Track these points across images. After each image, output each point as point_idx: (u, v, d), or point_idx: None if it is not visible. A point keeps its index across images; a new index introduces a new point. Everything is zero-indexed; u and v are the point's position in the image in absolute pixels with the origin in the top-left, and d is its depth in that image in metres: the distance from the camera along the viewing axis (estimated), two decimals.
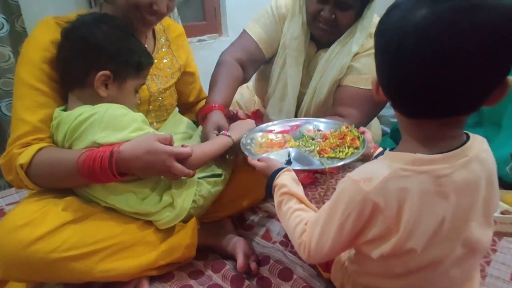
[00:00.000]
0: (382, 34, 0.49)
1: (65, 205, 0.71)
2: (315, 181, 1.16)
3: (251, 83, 1.55)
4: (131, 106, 0.80)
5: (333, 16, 1.06)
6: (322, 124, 0.93)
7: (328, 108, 1.20)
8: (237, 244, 0.86)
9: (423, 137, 0.51)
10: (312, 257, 0.57)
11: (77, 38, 0.74)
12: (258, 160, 0.75)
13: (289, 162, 0.77)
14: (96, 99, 0.75)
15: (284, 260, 0.85)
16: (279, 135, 0.89)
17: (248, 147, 0.84)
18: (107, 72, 0.73)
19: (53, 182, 0.74)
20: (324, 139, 0.83)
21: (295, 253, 0.88)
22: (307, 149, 0.81)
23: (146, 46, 0.93)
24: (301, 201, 0.63)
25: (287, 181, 0.65)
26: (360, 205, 0.50)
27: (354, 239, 0.54)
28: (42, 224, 0.65)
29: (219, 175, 0.93)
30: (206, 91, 1.13)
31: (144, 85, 0.91)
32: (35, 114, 0.74)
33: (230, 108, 1.08)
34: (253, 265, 0.82)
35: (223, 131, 0.88)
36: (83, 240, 0.68)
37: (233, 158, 0.94)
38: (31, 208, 0.68)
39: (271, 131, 0.92)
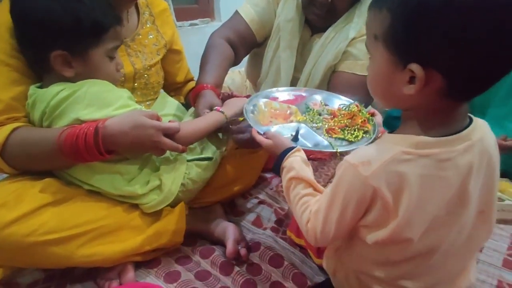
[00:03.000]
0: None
1: (43, 187, 0.67)
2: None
3: (242, 68, 1.52)
4: (111, 75, 0.74)
5: (329, 0, 1.02)
6: (329, 98, 0.88)
7: None
8: (226, 230, 0.84)
9: (432, 120, 0.48)
10: (320, 243, 0.56)
11: (16, 15, 0.66)
12: (264, 134, 0.70)
13: (295, 139, 0.72)
14: (71, 77, 0.69)
15: (275, 247, 0.83)
16: (284, 105, 0.84)
17: (250, 114, 0.79)
18: (58, 52, 0.66)
19: (31, 164, 0.69)
20: (332, 116, 0.79)
21: (286, 239, 0.86)
22: (314, 125, 0.76)
23: (129, 22, 0.89)
24: (310, 185, 0.60)
25: (296, 163, 0.61)
26: (360, 191, 0.48)
27: (356, 224, 0.52)
28: (17, 206, 0.61)
29: (209, 159, 0.89)
30: (197, 75, 1.07)
31: (128, 61, 0.86)
32: (7, 92, 0.68)
33: (222, 91, 1.04)
34: (243, 251, 0.79)
35: (216, 107, 0.84)
36: (63, 224, 0.65)
37: (226, 138, 0.91)
38: (5, 189, 0.64)
39: (275, 99, 0.87)
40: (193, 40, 1.54)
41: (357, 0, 1.07)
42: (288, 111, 0.82)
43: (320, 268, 0.77)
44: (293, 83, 1.21)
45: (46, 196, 0.66)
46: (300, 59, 1.18)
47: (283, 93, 0.89)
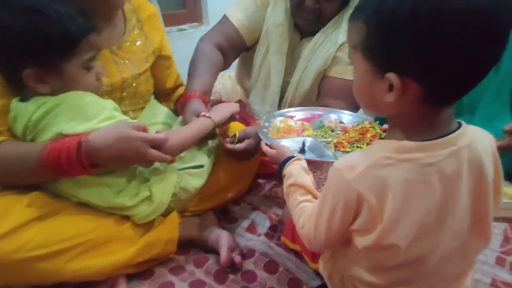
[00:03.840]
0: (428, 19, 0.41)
1: (30, 201, 0.65)
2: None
3: (233, 72, 1.51)
4: (91, 86, 0.71)
5: (317, 5, 1.03)
6: (345, 116, 0.91)
7: (312, 98, 1.17)
8: (220, 237, 0.82)
9: (414, 125, 0.48)
10: (314, 248, 0.57)
11: None
12: (270, 145, 0.74)
13: (302, 151, 0.75)
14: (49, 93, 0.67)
15: (270, 253, 0.82)
16: (299, 122, 0.87)
17: (265, 130, 0.82)
18: (29, 70, 0.63)
19: (15, 179, 0.67)
20: (343, 132, 0.81)
21: (280, 245, 0.85)
22: (324, 140, 0.79)
23: (115, 29, 0.87)
24: (308, 192, 0.61)
25: (296, 171, 0.64)
26: (345, 195, 0.48)
27: (347, 229, 0.52)
28: (2, 222, 0.60)
29: (200, 166, 0.88)
30: (186, 81, 1.06)
31: (115, 70, 0.85)
32: None
33: (212, 97, 1.03)
34: (237, 259, 0.78)
35: (202, 113, 0.83)
36: (50, 238, 0.63)
37: (216, 144, 0.90)
38: None
39: (291, 117, 0.90)
40: (182, 45, 1.52)
41: (345, 5, 1.07)
42: (302, 128, 0.85)
43: (316, 272, 0.76)
44: (284, 87, 1.20)
45: (33, 211, 0.64)
46: (290, 63, 1.18)
47: (300, 112, 0.93)
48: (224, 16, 1.17)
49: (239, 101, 1.38)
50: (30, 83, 0.65)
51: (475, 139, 0.49)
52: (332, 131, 0.83)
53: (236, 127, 0.97)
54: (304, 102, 1.17)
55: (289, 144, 0.76)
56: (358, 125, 0.83)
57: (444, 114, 0.47)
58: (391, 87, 0.45)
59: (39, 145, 0.64)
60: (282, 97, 1.22)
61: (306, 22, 1.08)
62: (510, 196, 0.95)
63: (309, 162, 0.68)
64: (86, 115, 0.66)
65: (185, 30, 2.04)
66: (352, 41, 0.48)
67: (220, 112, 0.84)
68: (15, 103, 0.68)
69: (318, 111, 0.94)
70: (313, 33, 1.11)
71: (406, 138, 0.47)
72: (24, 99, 0.68)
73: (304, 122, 0.87)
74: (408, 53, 0.42)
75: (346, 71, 1.09)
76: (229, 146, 0.87)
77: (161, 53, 0.99)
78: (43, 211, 0.65)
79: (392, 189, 0.46)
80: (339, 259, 0.63)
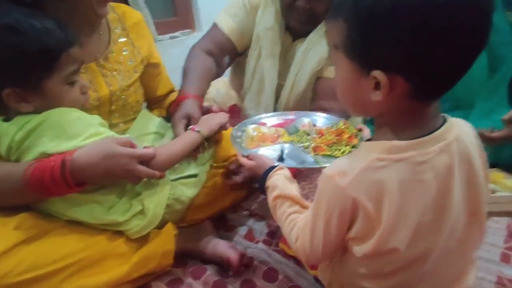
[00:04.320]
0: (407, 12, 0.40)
1: (17, 224, 0.63)
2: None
3: (226, 77, 1.49)
4: (76, 102, 0.69)
5: (309, 5, 1.01)
6: (319, 119, 0.89)
7: (307, 100, 1.16)
8: (217, 246, 0.81)
9: (402, 123, 0.47)
10: (311, 260, 0.55)
11: None
12: (248, 157, 0.71)
13: (281, 159, 0.73)
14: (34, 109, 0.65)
15: (269, 260, 0.81)
16: (272, 129, 0.84)
17: (238, 140, 0.79)
18: (9, 90, 0.60)
19: (1, 200, 0.66)
20: (319, 135, 0.79)
21: (279, 251, 0.84)
22: (301, 145, 0.77)
23: (99, 40, 0.84)
24: (296, 202, 0.59)
25: (279, 181, 0.61)
26: (340, 202, 0.47)
27: (345, 236, 0.51)
28: None
29: (194, 176, 0.87)
30: (178, 88, 1.05)
31: (103, 83, 0.83)
32: None
33: (204, 104, 1.02)
34: (248, 259, 0.78)
35: (191, 127, 0.82)
36: (40, 260, 0.61)
37: (207, 154, 0.89)
38: None
39: (264, 124, 0.88)
40: (174, 52, 1.51)
41: None
42: (276, 134, 0.82)
43: (316, 279, 0.74)
44: (278, 90, 1.19)
45: (21, 233, 0.62)
46: (283, 66, 1.17)
47: (272, 118, 0.90)
48: (214, 24, 1.16)
49: (234, 106, 1.37)
50: (11, 103, 0.63)
51: (461, 131, 0.48)
52: (308, 135, 0.81)
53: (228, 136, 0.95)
54: (299, 104, 1.15)
55: (267, 152, 0.73)
56: (332, 126, 0.82)
57: (431, 109, 0.46)
58: (377, 85, 0.43)
59: (22, 165, 0.62)
60: (276, 100, 1.21)
61: (298, 23, 1.07)
62: (511, 189, 0.92)
63: (297, 173, 0.67)
64: (71, 132, 0.65)
65: (177, 37, 2.03)
66: (333, 41, 0.47)
67: (208, 124, 0.83)
68: None
69: (289, 115, 0.92)
70: (305, 34, 1.10)
71: (396, 137, 0.46)
72: (7, 118, 0.67)
73: (278, 128, 0.84)
74: (391, 49, 0.40)
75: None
76: (229, 182, 0.87)
77: (149, 61, 0.97)
78: (31, 233, 0.63)
79: (388, 192, 0.44)
80: (337, 266, 0.62)
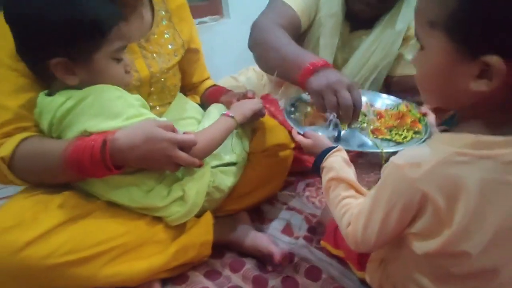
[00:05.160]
0: None
1: (61, 202, 0.61)
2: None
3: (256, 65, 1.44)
4: (119, 79, 0.67)
5: None
6: (376, 99, 0.83)
7: None
8: (257, 239, 0.78)
9: (499, 117, 0.42)
10: (360, 249, 0.53)
11: (9, 19, 0.59)
12: (304, 134, 0.67)
13: (337, 139, 0.69)
14: (76, 84, 0.63)
15: (310, 258, 0.76)
16: None
17: (292, 116, 0.75)
18: (58, 59, 0.59)
19: (40, 178, 0.64)
20: (378, 117, 0.74)
21: (321, 249, 0.79)
22: (358, 125, 0.72)
23: (142, 21, 0.82)
24: (351, 186, 0.57)
25: (337, 163, 0.59)
26: (406, 195, 0.44)
27: (403, 230, 0.48)
28: (33, 226, 0.56)
29: (234, 164, 0.83)
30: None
31: (143, 64, 0.80)
32: (16, 99, 0.63)
33: (237, 91, 0.97)
34: (290, 255, 0.75)
35: (225, 112, 0.77)
36: (83, 242, 0.59)
37: (245, 141, 0.85)
38: (21, 206, 0.59)
39: None
40: (202, 38, 1.48)
41: None
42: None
43: (362, 281, 0.70)
44: None
45: (64, 213, 0.60)
46: (340, 59, 1.10)
47: None
48: (279, 0, 1.05)
49: (267, 96, 1.32)
50: (58, 73, 0.61)
51: None
52: (365, 115, 0.76)
53: (270, 123, 0.91)
54: None
55: (322, 131, 0.69)
56: (392, 108, 0.76)
57: None
58: (482, 73, 0.38)
59: (63, 143, 0.60)
60: None
61: (367, 6, 0.98)
62: None
63: (356, 163, 0.62)
64: (112, 111, 0.62)
65: (206, 22, 1.99)
66: (428, 16, 0.41)
67: (241, 111, 0.77)
68: (41, 98, 0.64)
69: None
70: (365, 24, 1.03)
71: (486, 132, 0.41)
72: (50, 93, 0.65)
73: None
74: None
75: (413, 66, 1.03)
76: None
77: (190, 46, 0.94)
78: (74, 213, 0.61)
79: (465, 190, 0.40)
80: (390, 264, 0.58)
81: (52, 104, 0.62)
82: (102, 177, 0.62)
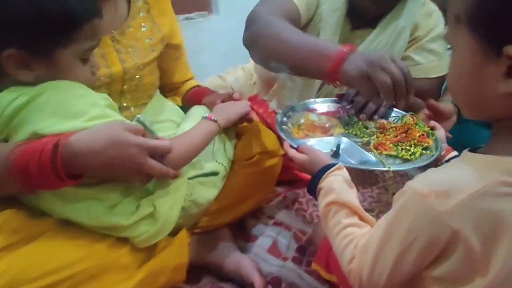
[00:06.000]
0: None
1: (1, 223, 0.52)
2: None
3: (247, 64, 1.37)
4: (83, 81, 0.59)
5: None
6: (379, 109, 0.76)
7: None
8: (241, 263, 0.70)
9: None
10: None
11: None
12: (298, 149, 0.60)
13: (336, 154, 0.62)
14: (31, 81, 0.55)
15: (299, 284, 0.70)
16: (323, 117, 0.74)
17: (284, 127, 0.69)
18: (12, 51, 0.52)
19: None
20: (381, 130, 0.68)
21: (312, 273, 0.72)
22: (359, 140, 0.66)
23: (117, 12, 0.74)
24: (355, 212, 0.50)
25: (337, 184, 0.52)
26: (431, 230, 0.38)
27: (419, 272, 0.41)
28: None
29: (215, 173, 0.75)
30: (193, 73, 0.96)
31: (116, 58, 0.72)
32: None
33: (223, 91, 0.89)
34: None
35: (207, 115, 0.70)
36: (27, 273, 0.49)
37: (230, 148, 0.77)
38: None
39: (313, 110, 0.77)
40: (189, 35, 1.40)
41: None
42: (328, 124, 0.71)
43: None
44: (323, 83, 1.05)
45: (4, 237, 0.51)
46: None
47: (323, 105, 0.79)
48: None
49: (255, 96, 1.24)
50: (10, 67, 0.53)
51: None
52: (366, 128, 0.70)
53: (256, 127, 0.83)
54: None
55: (319, 146, 0.63)
56: (397, 121, 0.71)
57: None
58: (510, 70, 0.33)
59: (9, 146, 0.51)
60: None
61: (374, 3, 0.93)
62: None
63: (358, 176, 0.55)
64: (71, 111, 0.53)
65: (193, 19, 1.92)
66: (455, 9, 0.37)
67: (225, 114, 0.71)
68: None
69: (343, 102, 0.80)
70: (366, 23, 0.98)
71: None
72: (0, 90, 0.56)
73: (331, 117, 0.73)
74: None
75: (423, 69, 0.97)
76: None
77: (170, 41, 0.86)
78: (17, 237, 0.51)
79: (508, 230, 0.34)
80: None
81: (0, 102, 0.53)
82: (53, 189, 0.53)
